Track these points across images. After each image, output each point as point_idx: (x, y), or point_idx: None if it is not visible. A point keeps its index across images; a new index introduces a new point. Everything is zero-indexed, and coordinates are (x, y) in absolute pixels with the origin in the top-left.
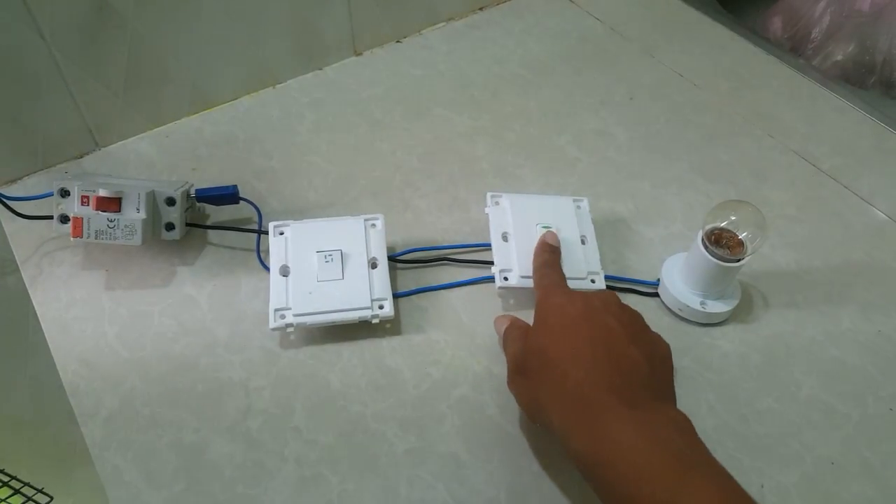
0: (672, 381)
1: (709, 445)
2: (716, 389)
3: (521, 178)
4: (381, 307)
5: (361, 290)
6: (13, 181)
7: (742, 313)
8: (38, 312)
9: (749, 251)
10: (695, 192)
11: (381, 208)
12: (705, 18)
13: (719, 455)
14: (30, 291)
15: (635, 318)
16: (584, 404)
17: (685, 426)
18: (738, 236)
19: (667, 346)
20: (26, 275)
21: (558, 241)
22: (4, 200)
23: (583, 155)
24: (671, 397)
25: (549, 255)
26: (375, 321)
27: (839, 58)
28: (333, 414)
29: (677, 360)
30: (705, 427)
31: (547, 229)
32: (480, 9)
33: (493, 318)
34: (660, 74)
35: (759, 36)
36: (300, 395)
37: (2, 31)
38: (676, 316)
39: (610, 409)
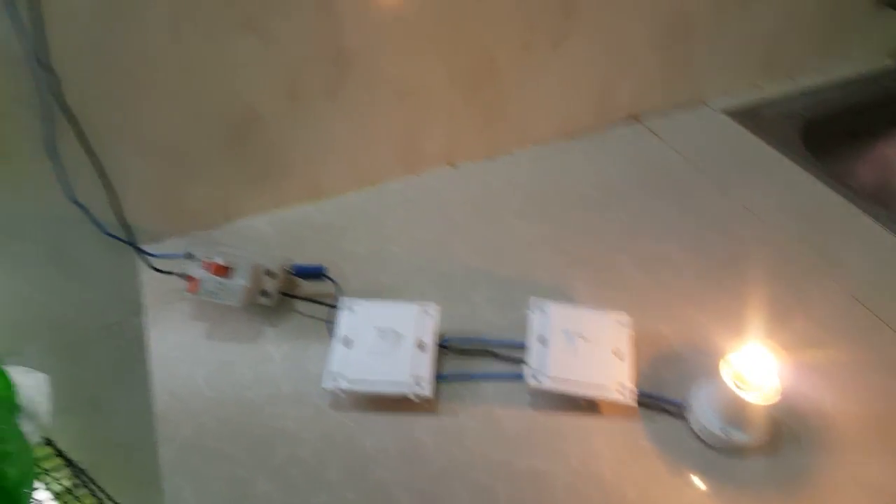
0: None
1: None
2: None
3: (575, 288)
4: (420, 386)
5: (405, 369)
6: (155, 241)
7: (769, 447)
8: (151, 349)
9: (771, 394)
10: (740, 324)
11: (441, 298)
12: (784, 159)
13: None
14: (150, 331)
15: None
16: None
17: None
18: (762, 375)
19: None
20: (149, 317)
21: None
22: (146, 255)
23: (638, 274)
24: None
25: None
26: (415, 399)
27: None
28: (363, 474)
29: (698, 483)
30: None
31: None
32: (570, 136)
33: None
34: (728, 208)
35: (840, 182)
36: (337, 453)
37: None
38: (700, 440)
39: None
